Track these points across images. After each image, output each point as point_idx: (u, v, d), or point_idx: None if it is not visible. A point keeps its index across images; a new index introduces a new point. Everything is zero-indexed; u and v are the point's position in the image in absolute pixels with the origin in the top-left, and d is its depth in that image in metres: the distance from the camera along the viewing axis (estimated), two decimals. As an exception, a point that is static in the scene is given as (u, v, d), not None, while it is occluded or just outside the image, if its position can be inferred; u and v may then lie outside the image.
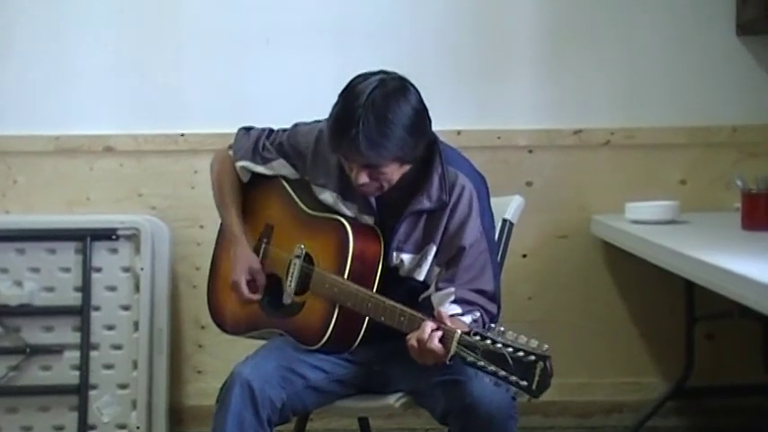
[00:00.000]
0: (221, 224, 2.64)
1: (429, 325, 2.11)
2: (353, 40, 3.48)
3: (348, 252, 2.33)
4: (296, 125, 2.56)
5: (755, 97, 3.48)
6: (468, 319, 2.24)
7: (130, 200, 3.53)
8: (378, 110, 2.19)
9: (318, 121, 2.47)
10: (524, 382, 1.96)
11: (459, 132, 3.38)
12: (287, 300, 2.43)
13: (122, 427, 3.39)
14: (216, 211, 2.65)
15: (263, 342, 2.50)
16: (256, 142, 2.56)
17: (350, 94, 2.24)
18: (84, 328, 3.38)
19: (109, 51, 3.52)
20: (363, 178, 2.26)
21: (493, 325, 2.08)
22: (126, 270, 3.44)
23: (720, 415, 3.48)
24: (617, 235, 3.16)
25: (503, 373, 1.97)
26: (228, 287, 2.55)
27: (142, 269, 3.40)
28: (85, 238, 3.40)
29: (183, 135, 3.51)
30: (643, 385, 3.52)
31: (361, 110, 2.18)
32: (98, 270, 3.42)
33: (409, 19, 3.50)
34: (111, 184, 3.54)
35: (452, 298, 2.27)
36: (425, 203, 2.33)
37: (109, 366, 3.41)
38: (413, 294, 2.36)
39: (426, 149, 2.33)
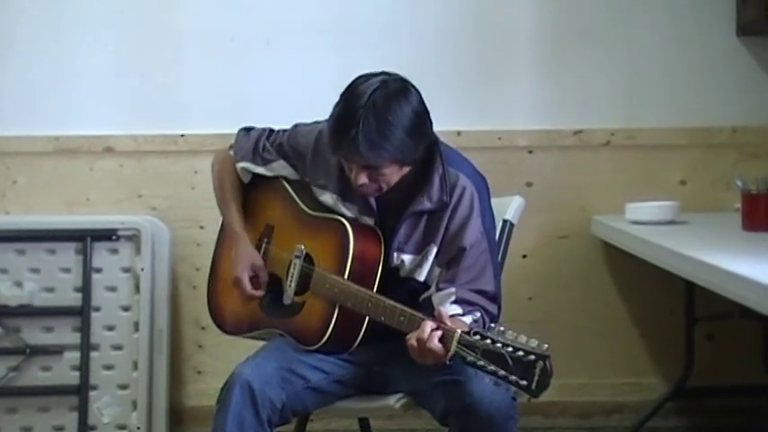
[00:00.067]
0: (222, 223, 2.64)
1: (429, 324, 2.11)
2: (353, 41, 3.48)
3: (348, 252, 2.32)
4: (296, 126, 2.56)
5: (756, 98, 3.48)
6: (468, 319, 2.24)
7: (130, 200, 3.53)
8: (378, 111, 2.19)
9: (318, 122, 2.47)
10: (524, 382, 1.96)
11: (459, 133, 3.38)
12: (287, 300, 2.42)
13: (122, 427, 3.39)
14: (216, 211, 2.65)
15: (263, 343, 2.50)
16: (256, 143, 2.56)
17: (351, 94, 2.24)
18: (85, 329, 3.38)
19: (109, 51, 3.52)
20: (362, 179, 2.26)
21: (493, 325, 2.08)
22: (126, 270, 3.44)
23: (720, 415, 3.48)
24: (617, 235, 3.15)
25: (502, 372, 1.97)
26: (229, 288, 2.56)
27: (142, 270, 3.40)
28: (86, 239, 3.40)
29: (182, 136, 3.51)
30: (643, 386, 3.52)
31: (361, 110, 2.18)
32: (98, 270, 3.42)
33: (409, 19, 3.50)
34: (111, 185, 3.54)
35: (453, 298, 2.27)
36: (426, 204, 2.33)
37: (109, 367, 3.41)
38: (413, 295, 2.36)
39: (427, 150, 2.33)
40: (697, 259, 2.39)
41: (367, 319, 2.31)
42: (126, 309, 3.43)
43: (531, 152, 3.51)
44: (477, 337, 2.02)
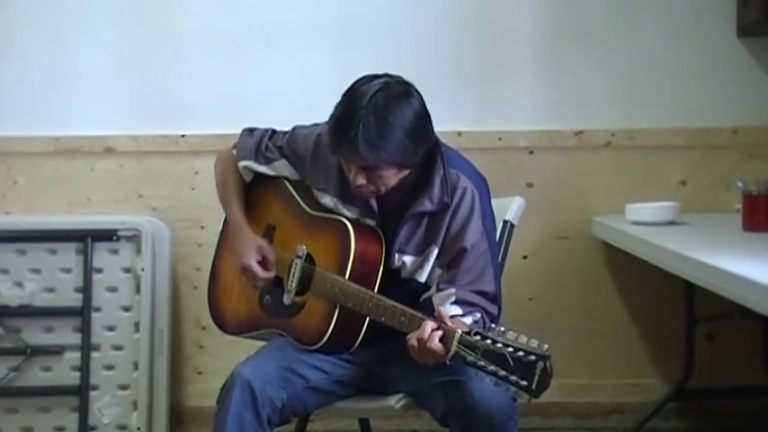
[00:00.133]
0: (224, 221, 2.64)
1: (429, 324, 2.11)
2: (353, 41, 3.48)
3: (350, 252, 2.32)
4: (294, 128, 2.56)
5: (756, 99, 3.48)
6: (468, 320, 2.24)
7: (131, 201, 3.53)
8: (379, 112, 2.19)
9: (317, 125, 2.47)
10: (524, 382, 1.96)
11: (459, 134, 3.38)
12: (288, 300, 2.42)
13: (123, 428, 3.39)
14: (217, 212, 2.65)
15: (263, 343, 2.50)
16: (259, 143, 2.56)
17: (353, 95, 2.24)
18: (85, 329, 3.38)
19: (109, 51, 3.52)
20: (361, 180, 2.27)
21: (493, 325, 2.08)
22: (127, 271, 3.44)
23: (721, 416, 3.48)
24: (617, 236, 3.15)
25: (503, 372, 1.98)
26: (229, 288, 2.56)
27: (143, 270, 3.40)
28: (86, 239, 3.40)
29: (183, 136, 3.51)
30: (643, 386, 3.52)
31: (362, 111, 2.19)
32: (99, 271, 3.42)
33: (409, 20, 3.50)
34: (112, 185, 3.54)
35: (453, 299, 2.28)
36: (427, 205, 2.33)
37: (109, 367, 3.41)
38: (414, 296, 2.36)
39: (428, 152, 2.33)
40: (697, 260, 2.39)
41: (367, 319, 2.31)
42: (126, 309, 3.43)
43: (531, 153, 3.51)
44: (478, 337, 2.03)
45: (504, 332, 2.02)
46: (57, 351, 3.39)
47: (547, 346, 1.98)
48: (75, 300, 3.40)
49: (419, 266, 2.36)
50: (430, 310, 2.23)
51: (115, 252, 3.44)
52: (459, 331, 2.06)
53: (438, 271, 2.35)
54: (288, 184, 2.55)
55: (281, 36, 3.50)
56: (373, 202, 2.38)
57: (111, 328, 3.42)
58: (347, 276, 2.32)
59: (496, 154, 3.47)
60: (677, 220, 3.06)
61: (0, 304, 3.37)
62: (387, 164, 2.24)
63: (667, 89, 3.50)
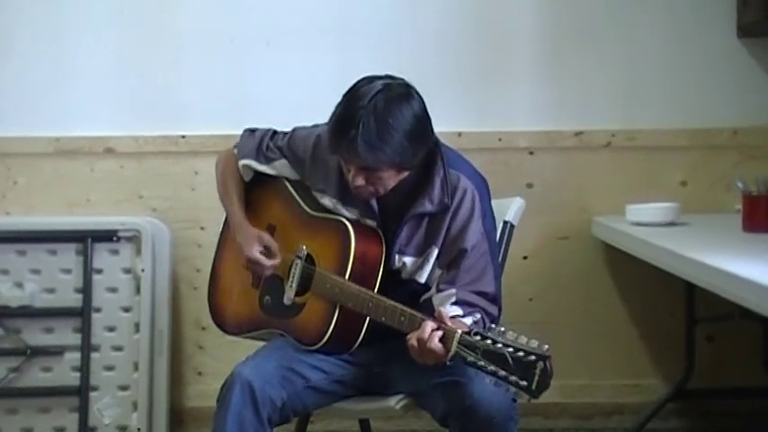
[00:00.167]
0: (225, 221, 2.64)
1: (429, 325, 2.11)
2: (353, 41, 3.48)
3: (350, 253, 2.33)
4: (294, 130, 2.56)
5: (756, 99, 3.48)
6: (468, 320, 2.24)
7: (131, 201, 3.53)
8: (379, 113, 2.19)
9: (317, 125, 2.48)
10: (524, 382, 1.96)
11: (459, 134, 3.38)
12: (288, 300, 2.42)
13: (123, 428, 3.39)
14: (217, 212, 2.66)
15: (263, 343, 2.50)
16: (260, 142, 2.57)
17: (353, 95, 2.24)
18: (85, 330, 3.38)
19: (109, 51, 3.52)
20: (359, 181, 2.27)
21: (493, 326, 2.08)
22: (127, 271, 3.43)
23: (721, 417, 3.48)
24: (618, 237, 3.15)
25: (503, 372, 1.98)
26: (229, 288, 2.56)
27: (143, 271, 3.40)
28: (86, 240, 3.40)
29: (183, 137, 3.51)
30: (643, 387, 3.52)
31: (362, 112, 2.19)
32: (99, 271, 3.42)
33: (409, 20, 3.50)
34: (112, 186, 3.54)
35: (453, 299, 2.28)
36: (427, 206, 2.33)
37: (109, 368, 3.41)
38: (414, 296, 2.36)
39: (427, 153, 2.32)
40: (697, 261, 2.39)
41: (367, 319, 2.31)
42: (126, 310, 3.42)
43: (531, 153, 3.51)
44: (478, 337, 2.03)
45: (504, 332, 2.02)
46: (57, 352, 3.39)
47: (547, 346, 1.98)
48: (75, 300, 3.40)
49: (419, 267, 2.36)
50: (430, 311, 2.23)
51: (115, 253, 3.44)
52: (459, 331, 2.06)
53: (438, 272, 2.35)
54: (288, 184, 2.55)
55: (281, 36, 3.50)
56: (373, 203, 2.38)
57: (111, 329, 3.42)
58: (347, 277, 2.32)
59: (496, 154, 3.46)
60: (677, 221, 3.06)
61: (0, 305, 3.37)
62: (386, 165, 2.24)
63: (667, 89, 3.50)
